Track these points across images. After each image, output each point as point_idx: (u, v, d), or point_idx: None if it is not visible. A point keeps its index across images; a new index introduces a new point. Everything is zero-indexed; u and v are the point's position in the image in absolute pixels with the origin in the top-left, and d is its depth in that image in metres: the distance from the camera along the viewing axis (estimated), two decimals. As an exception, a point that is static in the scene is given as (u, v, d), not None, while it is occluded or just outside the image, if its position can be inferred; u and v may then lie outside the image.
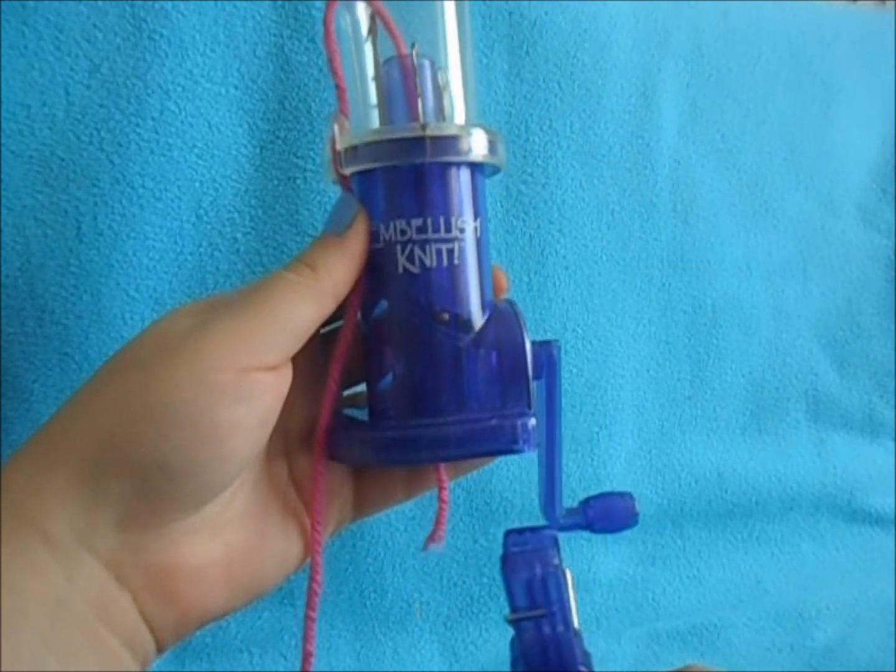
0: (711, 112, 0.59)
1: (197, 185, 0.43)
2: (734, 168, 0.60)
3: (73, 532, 0.24)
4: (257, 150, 0.44)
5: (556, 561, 0.26)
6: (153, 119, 0.41)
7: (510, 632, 0.27)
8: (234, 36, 0.43)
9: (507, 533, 0.29)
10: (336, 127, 0.29)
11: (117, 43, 0.40)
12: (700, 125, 0.59)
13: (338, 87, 0.30)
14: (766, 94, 0.61)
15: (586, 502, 0.32)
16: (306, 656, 0.29)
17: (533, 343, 0.29)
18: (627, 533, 0.56)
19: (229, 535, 0.27)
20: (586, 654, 0.27)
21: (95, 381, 0.26)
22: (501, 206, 0.51)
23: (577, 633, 0.26)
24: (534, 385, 0.29)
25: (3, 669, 0.21)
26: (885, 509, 0.66)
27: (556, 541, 0.28)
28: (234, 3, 0.43)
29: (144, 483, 0.24)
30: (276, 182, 0.45)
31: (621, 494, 0.31)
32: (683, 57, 0.58)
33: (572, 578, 0.26)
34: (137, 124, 0.41)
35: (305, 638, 0.29)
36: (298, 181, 0.45)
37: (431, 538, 0.32)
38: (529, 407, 0.29)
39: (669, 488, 0.58)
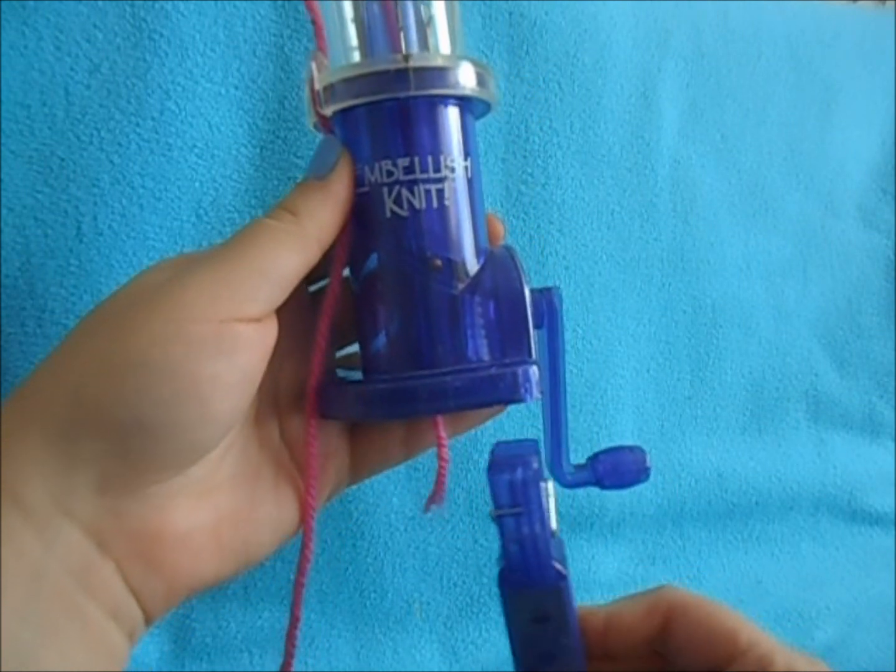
0: (711, 112, 0.59)
1: (197, 185, 0.43)
2: (734, 168, 0.60)
3: (49, 497, 0.22)
4: (257, 150, 0.44)
5: (535, 466, 0.27)
6: (153, 119, 0.41)
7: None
8: (234, 36, 0.43)
9: (496, 444, 0.29)
10: (314, 65, 0.27)
11: (117, 43, 0.40)
12: (700, 125, 0.59)
13: (314, 22, 0.28)
14: (766, 94, 0.61)
15: (595, 457, 0.31)
16: (294, 621, 0.28)
17: (532, 290, 0.28)
18: (627, 533, 0.57)
19: (218, 500, 0.26)
20: (562, 552, 0.28)
21: (68, 340, 0.25)
22: (501, 206, 0.51)
23: (554, 534, 0.27)
24: (534, 334, 0.28)
25: None
26: (885, 509, 0.66)
27: (537, 450, 0.28)
28: (234, 3, 0.43)
29: (122, 442, 0.23)
30: (276, 182, 0.45)
31: (631, 448, 0.30)
32: (683, 57, 0.58)
33: (553, 488, 0.27)
34: (137, 124, 0.41)
35: (294, 603, 0.28)
36: (298, 181, 0.45)
37: (432, 499, 0.31)
38: (531, 356, 0.27)
39: (669, 488, 0.58)
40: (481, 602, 0.51)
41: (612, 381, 0.55)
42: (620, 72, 0.54)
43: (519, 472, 0.26)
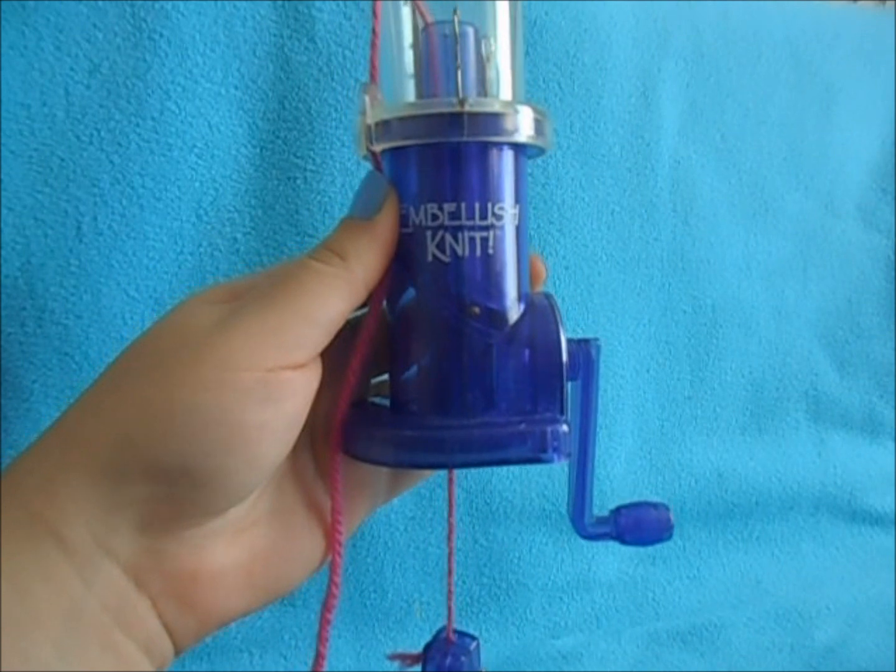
0: (711, 112, 0.59)
1: (197, 185, 0.43)
2: (734, 168, 0.60)
3: (90, 536, 0.23)
4: (257, 150, 0.44)
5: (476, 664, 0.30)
6: (153, 119, 0.41)
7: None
8: (234, 36, 0.43)
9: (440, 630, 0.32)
10: (367, 99, 0.27)
11: (117, 43, 0.40)
12: (700, 125, 0.59)
13: (372, 54, 0.27)
14: (766, 94, 0.61)
15: (617, 511, 0.30)
16: (318, 658, 0.28)
17: (570, 340, 0.27)
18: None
19: (253, 538, 0.26)
20: None
21: (111, 377, 0.25)
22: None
23: None
24: (568, 387, 0.27)
25: None
26: (885, 509, 0.66)
27: (477, 646, 0.31)
28: (234, 3, 0.43)
29: (167, 487, 0.23)
30: (276, 182, 0.45)
31: (655, 505, 0.30)
32: (683, 57, 0.58)
33: None
34: (137, 124, 0.41)
35: (319, 639, 0.28)
36: (298, 181, 0.45)
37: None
38: (562, 412, 0.27)
39: (669, 488, 0.58)
40: (481, 602, 0.51)
41: (612, 381, 0.55)
42: (620, 72, 0.54)
43: (449, 660, 0.29)
